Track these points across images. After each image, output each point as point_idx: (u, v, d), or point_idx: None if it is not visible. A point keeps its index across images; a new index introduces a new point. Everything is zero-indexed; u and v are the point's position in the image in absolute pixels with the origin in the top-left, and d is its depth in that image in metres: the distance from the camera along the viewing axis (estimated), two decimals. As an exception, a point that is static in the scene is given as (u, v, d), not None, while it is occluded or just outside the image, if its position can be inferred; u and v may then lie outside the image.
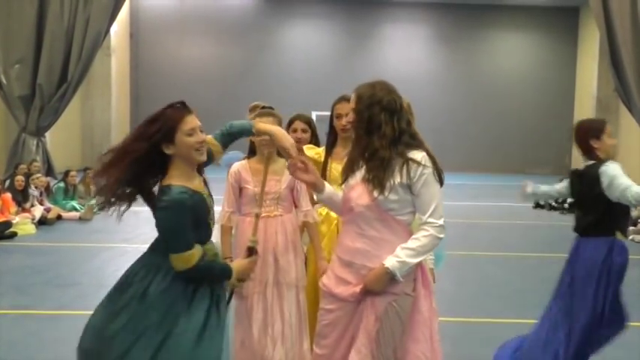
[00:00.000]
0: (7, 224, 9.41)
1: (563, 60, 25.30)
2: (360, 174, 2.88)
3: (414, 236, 2.82)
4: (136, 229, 10.25)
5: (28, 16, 14.34)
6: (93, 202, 11.84)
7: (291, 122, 4.12)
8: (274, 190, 3.55)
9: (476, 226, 11.26)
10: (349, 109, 3.63)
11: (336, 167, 3.84)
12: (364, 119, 2.86)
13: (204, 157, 2.69)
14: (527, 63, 25.45)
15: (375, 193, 2.78)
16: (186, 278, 2.61)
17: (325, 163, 3.89)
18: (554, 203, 14.17)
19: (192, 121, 2.64)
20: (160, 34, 24.95)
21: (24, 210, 10.36)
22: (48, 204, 11.12)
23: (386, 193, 2.76)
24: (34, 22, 14.36)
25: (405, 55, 25.06)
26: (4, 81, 14.34)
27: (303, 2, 25.06)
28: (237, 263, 2.91)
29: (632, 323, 5.85)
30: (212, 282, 2.71)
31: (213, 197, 2.83)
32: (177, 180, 2.61)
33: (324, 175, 3.81)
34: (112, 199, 2.68)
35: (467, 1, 24.44)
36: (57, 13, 14.47)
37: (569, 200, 13.84)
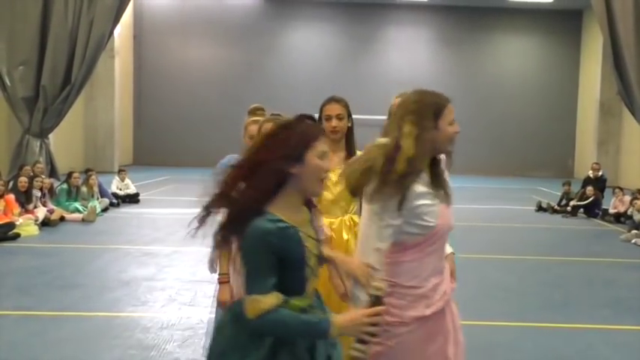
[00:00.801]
0: (11, 225, 9.44)
1: (566, 63, 25.30)
2: (434, 199, 2.61)
3: None
4: (139, 230, 10.29)
5: (32, 17, 14.39)
6: (96, 203, 11.90)
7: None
8: None
9: (476, 229, 11.27)
10: (341, 111, 3.59)
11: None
12: None
13: (322, 190, 2.28)
14: (530, 66, 25.46)
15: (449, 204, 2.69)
16: (254, 331, 2.12)
17: None
18: (556, 206, 14.17)
19: (324, 143, 2.23)
20: (163, 36, 25.02)
21: (27, 211, 10.39)
22: (51, 205, 11.15)
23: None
24: (38, 23, 14.41)
25: (407, 57, 25.09)
26: (7, 82, 14.37)
27: (305, 5, 25.12)
28: (347, 315, 2.18)
29: (632, 327, 5.87)
30: (299, 340, 2.15)
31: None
32: (278, 209, 2.15)
33: None
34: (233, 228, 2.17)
35: (469, 4, 24.46)
36: (61, 14, 14.51)
37: (572, 203, 13.86)
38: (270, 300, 2.06)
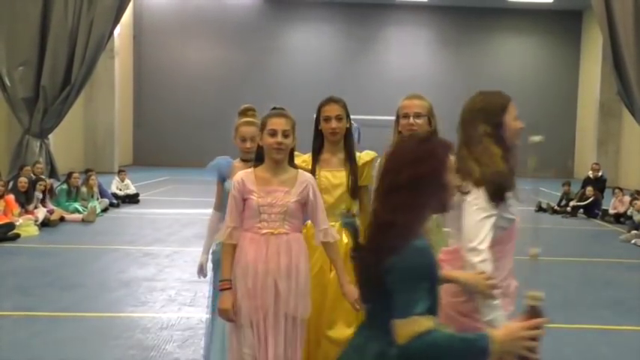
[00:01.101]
0: (11, 226, 9.44)
1: (566, 63, 25.31)
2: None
3: None
4: (139, 230, 10.30)
5: (32, 18, 14.38)
6: (96, 203, 11.90)
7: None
8: (281, 203, 3.09)
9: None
10: (339, 111, 3.51)
11: (325, 175, 3.53)
12: None
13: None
14: (530, 66, 25.45)
15: None
16: (404, 356, 1.90)
17: (313, 171, 3.51)
18: (556, 207, 14.16)
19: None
20: (163, 37, 25.02)
21: (27, 212, 10.39)
22: (51, 206, 11.15)
23: None
24: (38, 24, 14.41)
25: (407, 57, 25.09)
26: (7, 83, 14.37)
27: (305, 5, 25.11)
28: (504, 329, 1.98)
29: (632, 327, 5.87)
30: None
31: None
32: None
33: None
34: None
35: (469, 4, 24.46)
36: (61, 15, 14.51)
37: (571, 203, 13.85)
38: (427, 323, 1.87)
